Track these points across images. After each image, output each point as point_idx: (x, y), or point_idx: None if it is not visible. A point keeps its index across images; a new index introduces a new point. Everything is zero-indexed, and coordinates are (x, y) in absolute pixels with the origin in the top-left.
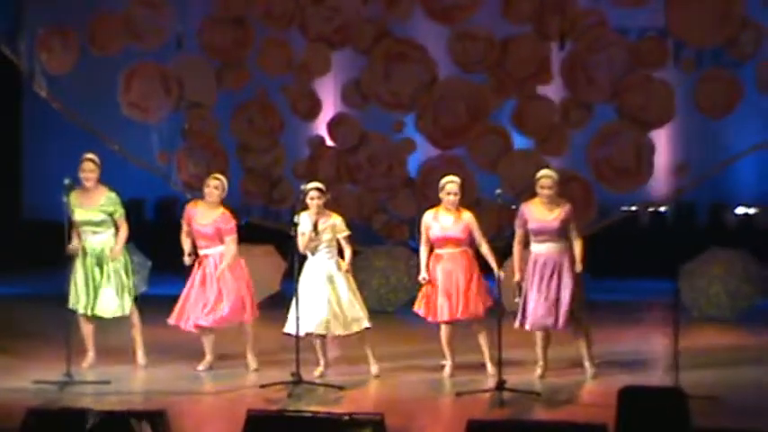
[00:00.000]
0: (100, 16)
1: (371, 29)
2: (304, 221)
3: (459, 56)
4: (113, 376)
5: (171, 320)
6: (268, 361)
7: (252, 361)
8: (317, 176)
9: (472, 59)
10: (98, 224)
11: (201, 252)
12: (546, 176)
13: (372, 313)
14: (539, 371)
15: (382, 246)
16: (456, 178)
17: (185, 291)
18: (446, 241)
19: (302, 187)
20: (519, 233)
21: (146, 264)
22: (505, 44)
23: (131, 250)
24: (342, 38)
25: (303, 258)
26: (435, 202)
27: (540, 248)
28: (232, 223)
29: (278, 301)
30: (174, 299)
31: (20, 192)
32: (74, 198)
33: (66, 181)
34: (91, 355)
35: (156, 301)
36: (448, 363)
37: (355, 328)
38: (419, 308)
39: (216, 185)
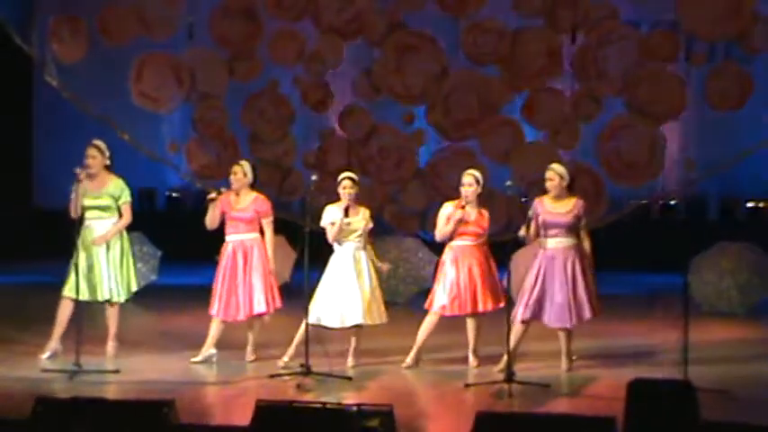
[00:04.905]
0: (110, 6)
1: (384, 20)
2: (331, 212)
3: (471, 48)
4: (123, 365)
5: (215, 313)
6: (277, 352)
7: (251, 353)
8: (327, 168)
9: (483, 52)
10: (103, 209)
11: (236, 238)
12: (549, 170)
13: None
14: (501, 365)
15: (392, 237)
16: (472, 171)
17: (223, 282)
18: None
19: (312, 177)
20: (533, 225)
21: (155, 253)
22: (516, 37)
23: (141, 240)
24: (354, 29)
25: (316, 250)
26: (445, 194)
27: (549, 243)
28: (268, 205)
29: (286, 292)
30: (183, 288)
31: (31, 180)
32: (84, 185)
33: (78, 170)
34: (54, 345)
35: (165, 290)
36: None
37: (377, 320)
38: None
39: (235, 171)
